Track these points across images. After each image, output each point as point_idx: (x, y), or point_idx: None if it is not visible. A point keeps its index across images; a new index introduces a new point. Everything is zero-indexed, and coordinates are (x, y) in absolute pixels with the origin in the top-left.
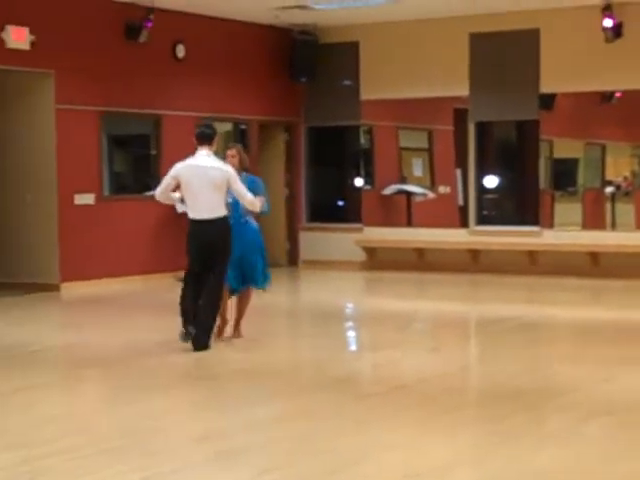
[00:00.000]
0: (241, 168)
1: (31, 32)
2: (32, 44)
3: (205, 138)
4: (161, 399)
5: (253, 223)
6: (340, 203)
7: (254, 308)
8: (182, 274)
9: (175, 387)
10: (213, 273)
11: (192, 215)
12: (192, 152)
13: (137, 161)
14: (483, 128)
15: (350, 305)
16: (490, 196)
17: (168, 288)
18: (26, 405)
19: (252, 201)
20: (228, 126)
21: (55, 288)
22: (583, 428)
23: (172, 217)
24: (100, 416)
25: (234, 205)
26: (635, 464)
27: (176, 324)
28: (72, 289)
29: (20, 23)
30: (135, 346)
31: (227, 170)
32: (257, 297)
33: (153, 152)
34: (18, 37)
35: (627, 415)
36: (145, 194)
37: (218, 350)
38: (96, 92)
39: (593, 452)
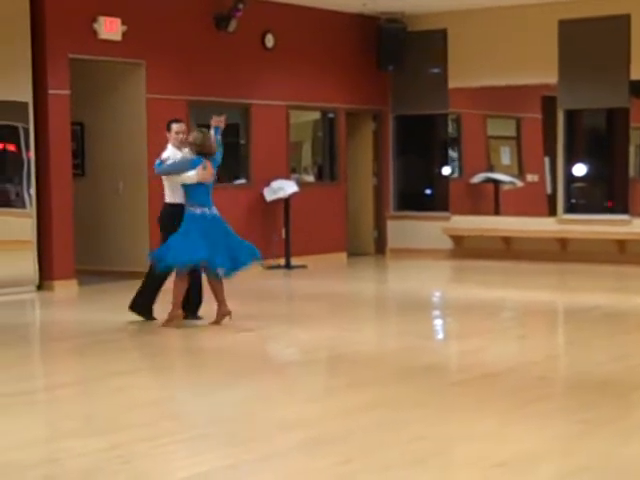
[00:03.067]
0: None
1: (123, 23)
2: (123, 35)
3: None
4: (249, 386)
5: (206, 213)
6: (428, 192)
7: (341, 296)
8: (271, 262)
9: (262, 374)
10: None
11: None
12: (279, 141)
13: (226, 150)
14: (572, 116)
15: (437, 293)
16: (579, 184)
17: (257, 275)
18: (117, 390)
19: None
20: (316, 115)
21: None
22: None
23: (262, 205)
24: (189, 403)
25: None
26: None
27: (263, 312)
28: None
29: (112, 14)
30: (223, 333)
31: None
32: (344, 284)
33: (242, 141)
34: (111, 28)
35: None
36: (235, 182)
37: (304, 338)
38: (186, 81)
39: None
